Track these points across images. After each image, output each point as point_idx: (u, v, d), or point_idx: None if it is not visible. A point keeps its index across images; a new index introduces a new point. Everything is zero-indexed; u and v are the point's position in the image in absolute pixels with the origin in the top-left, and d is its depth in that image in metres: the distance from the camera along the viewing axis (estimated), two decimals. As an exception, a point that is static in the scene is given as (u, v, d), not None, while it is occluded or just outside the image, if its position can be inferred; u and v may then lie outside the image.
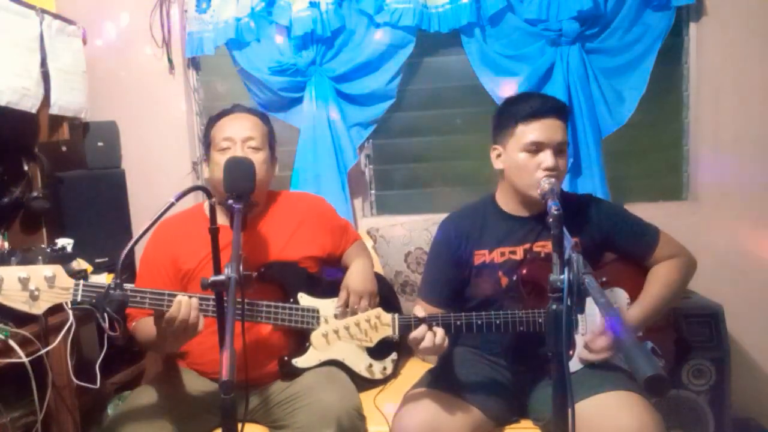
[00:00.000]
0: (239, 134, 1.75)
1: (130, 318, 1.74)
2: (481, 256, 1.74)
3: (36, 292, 1.43)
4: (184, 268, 1.77)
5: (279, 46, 2.48)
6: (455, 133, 2.61)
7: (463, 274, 1.76)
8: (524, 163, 1.64)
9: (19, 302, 1.43)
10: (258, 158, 1.73)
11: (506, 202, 1.77)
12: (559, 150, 1.63)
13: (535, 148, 1.62)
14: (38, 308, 1.44)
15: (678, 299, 1.78)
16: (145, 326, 1.68)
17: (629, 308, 1.67)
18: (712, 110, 2.42)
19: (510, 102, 1.73)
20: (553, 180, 1.53)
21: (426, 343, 1.49)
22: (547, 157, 1.61)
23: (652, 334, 1.70)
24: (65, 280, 1.48)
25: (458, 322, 1.55)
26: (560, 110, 1.67)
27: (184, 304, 1.47)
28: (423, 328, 1.49)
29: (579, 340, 1.63)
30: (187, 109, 2.61)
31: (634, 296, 1.69)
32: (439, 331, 1.50)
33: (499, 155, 1.73)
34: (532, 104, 1.64)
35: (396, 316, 1.51)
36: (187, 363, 1.82)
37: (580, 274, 1.07)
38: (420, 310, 1.53)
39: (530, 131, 1.63)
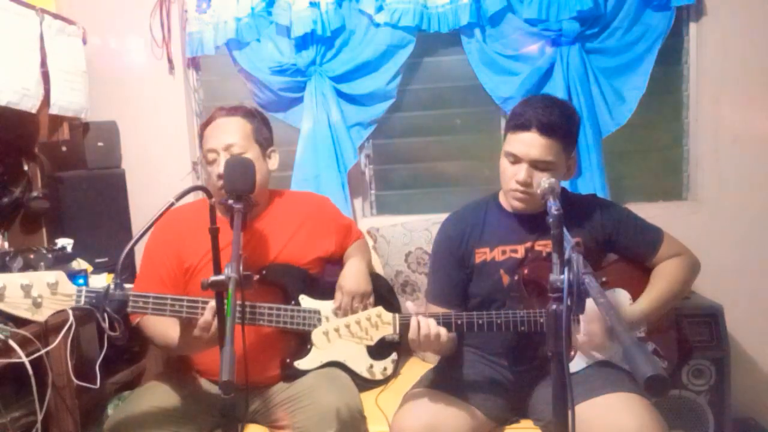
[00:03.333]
0: (219, 143, 1.73)
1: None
2: (482, 254, 1.74)
3: (39, 299, 1.42)
4: (186, 264, 1.77)
5: (279, 46, 2.48)
6: (455, 133, 2.60)
7: (465, 273, 1.76)
8: (504, 169, 1.67)
9: (21, 309, 1.42)
10: None
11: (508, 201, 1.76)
12: (537, 167, 1.60)
13: (513, 159, 1.63)
14: (41, 315, 1.44)
15: (680, 299, 1.78)
16: (158, 324, 1.68)
17: (634, 303, 1.66)
18: (712, 110, 2.42)
19: (518, 104, 1.69)
20: (553, 180, 1.52)
21: (412, 330, 1.48)
22: (520, 171, 1.61)
23: (655, 335, 1.69)
24: (68, 287, 1.47)
25: (459, 321, 1.54)
26: (548, 127, 1.57)
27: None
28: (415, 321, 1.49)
29: (579, 340, 1.63)
30: (187, 109, 2.61)
31: (636, 297, 1.69)
32: (423, 321, 1.49)
33: None
34: (525, 115, 1.60)
35: (397, 314, 1.50)
36: (188, 364, 1.82)
37: (580, 274, 1.07)
38: (413, 306, 1.53)
39: (511, 141, 1.63)
